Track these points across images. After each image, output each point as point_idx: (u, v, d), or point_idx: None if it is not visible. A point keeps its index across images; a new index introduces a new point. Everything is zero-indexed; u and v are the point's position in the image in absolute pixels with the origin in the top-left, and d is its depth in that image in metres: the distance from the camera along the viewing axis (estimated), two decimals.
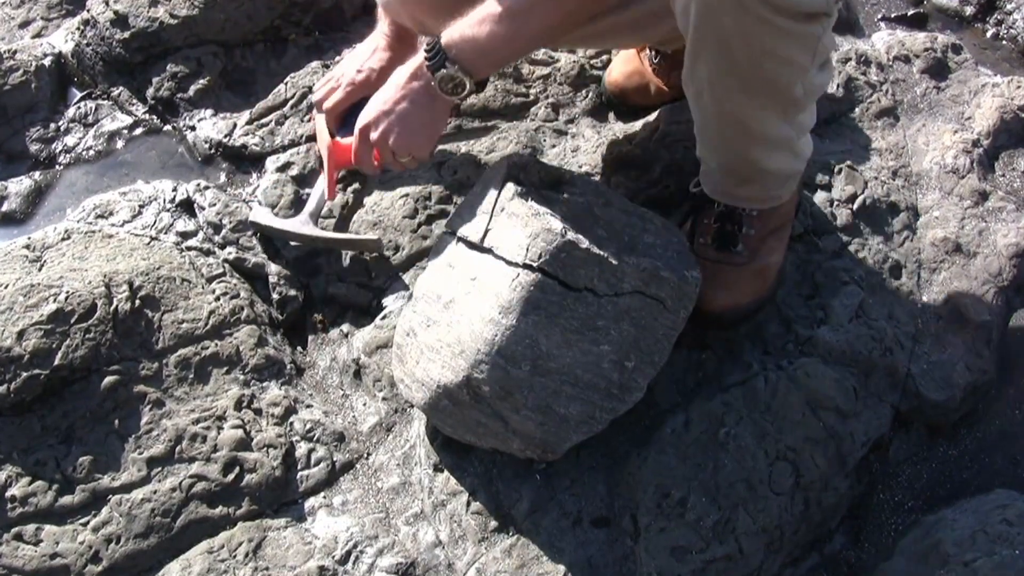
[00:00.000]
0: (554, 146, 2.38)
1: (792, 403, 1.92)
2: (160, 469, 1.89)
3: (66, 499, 1.85)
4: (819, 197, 2.22)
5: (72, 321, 1.95)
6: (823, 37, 1.66)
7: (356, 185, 2.34)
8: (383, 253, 2.20)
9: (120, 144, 2.61)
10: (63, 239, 2.17)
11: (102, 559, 1.81)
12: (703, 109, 1.77)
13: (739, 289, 1.99)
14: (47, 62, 2.71)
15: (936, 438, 2.06)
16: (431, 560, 1.84)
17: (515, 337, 1.69)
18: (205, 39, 2.71)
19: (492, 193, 1.81)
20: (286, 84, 2.58)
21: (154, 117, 2.65)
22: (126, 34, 2.66)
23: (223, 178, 2.48)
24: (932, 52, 2.64)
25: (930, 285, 2.15)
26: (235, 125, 2.54)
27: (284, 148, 2.47)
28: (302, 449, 1.97)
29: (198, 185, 2.37)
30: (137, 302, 2.02)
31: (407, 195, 2.28)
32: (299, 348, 2.17)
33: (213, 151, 2.53)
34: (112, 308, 1.99)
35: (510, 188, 1.79)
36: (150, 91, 2.66)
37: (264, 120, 2.53)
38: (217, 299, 2.10)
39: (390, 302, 2.15)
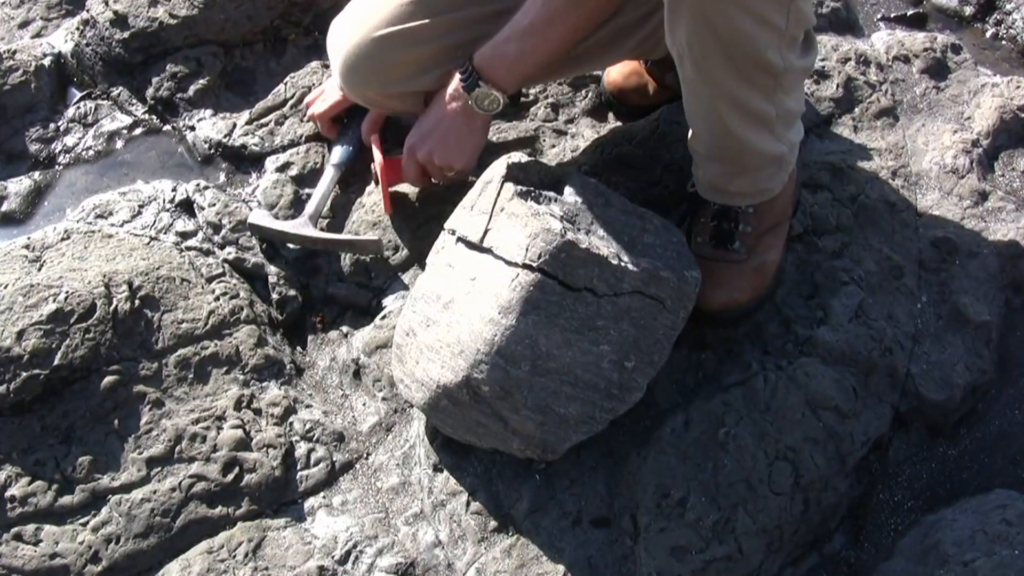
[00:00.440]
0: (554, 146, 2.38)
1: (792, 403, 1.92)
2: (160, 469, 1.89)
3: (66, 499, 1.85)
4: (819, 197, 2.21)
5: (72, 321, 1.95)
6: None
7: (355, 186, 2.35)
8: (382, 254, 2.20)
9: (120, 144, 2.61)
10: (63, 239, 2.17)
11: (102, 559, 1.81)
12: (687, 77, 1.75)
13: (738, 287, 1.99)
14: (47, 62, 2.71)
15: (936, 438, 2.06)
16: (431, 560, 1.84)
17: (515, 337, 1.68)
18: (205, 39, 2.71)
19: (491, 193, 1.81)
20: (286, 84, 2.58)
21: (154, 117, 2.65)
22: (126, 34, 2.66)
23: (223, 178, 2.48)
24: (931, 52, 2.64)
25: (930, 285, 2.14)
26: (235, 125, 2.54)
27: (284, 148, 2.47)
28: (302, 449, 1.97)
29: (198, 185, 2.37)
30: (137, 302, 2.02)
31: (407, 196, 2.28)
32: (299, 348, 2.17)
33: (213, 151, 2.52)
34: (112, 308, 1.99)
35: (510, 188, 1.78)
36: (150, 91, 2.66)
37: (264, 120, 2.53)
38: (217, 299, 2.10)
39: (390, 302, 2.16)
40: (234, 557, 1.82)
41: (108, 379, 1.94)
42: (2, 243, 2.18)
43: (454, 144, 2.03)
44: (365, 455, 2.00)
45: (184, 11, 2.67)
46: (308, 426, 2.00)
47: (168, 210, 2.32)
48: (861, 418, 1.95)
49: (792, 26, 1.68)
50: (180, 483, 1.88)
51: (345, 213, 2.31)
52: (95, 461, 1.88)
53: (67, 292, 1.98)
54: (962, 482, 2.01)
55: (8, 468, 1.86)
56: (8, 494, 1.83)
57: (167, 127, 2.63)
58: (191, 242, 2.26)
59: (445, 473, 1.92)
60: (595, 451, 1.91)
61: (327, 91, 2.37)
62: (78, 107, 2.67)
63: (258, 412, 1.99)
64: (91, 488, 1.86)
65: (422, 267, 2.15)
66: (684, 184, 2.11)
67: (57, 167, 2.57)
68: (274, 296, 2.19)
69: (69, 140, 2.61)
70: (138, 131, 2.62)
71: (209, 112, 2.61)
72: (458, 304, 1.78)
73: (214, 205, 2.31)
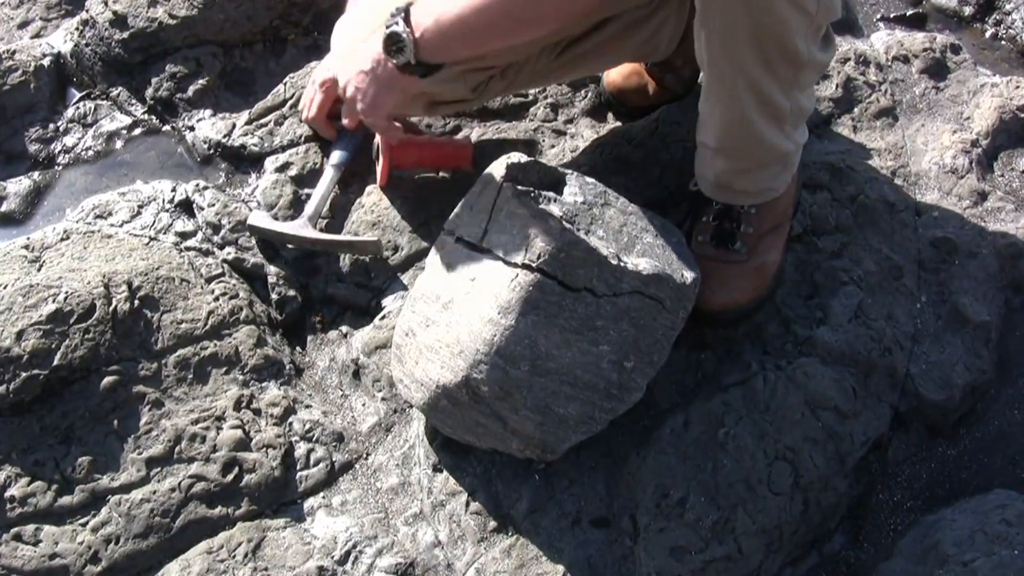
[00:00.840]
0: (553, 146, 2.38)
1: (791, 403, 1.92)
2: (159, 469, 1.89)
3: (65, 499, 1.85)
4: (818, 197, 2.22)
5: (71, 321, 1.95)
6: None
7: (355, 186, 2.35)
8: (382, 254, 2.20)
9: (119, 144, 2.61)
10: (62, 239, 2.16)
11: (101, 559, 1.81)
12: (712, 59, 1.73)
13: (738, 287, 1.99)
14: (46, 62, 2.71)
15: (935, 438, 2.06)
16: (430, 560, 1.84)
17: (514, 337, 1.69)
18: (204, 39, 2.71)
19: (491, 193, 1.81)
20: (285, 84, 2.58)
21: (153, 117, 2.64)
22: (125, 34, 2.66)
23: (222, 178, 2.47)
24: (931, 52, 2.64)
25: (929, 285, 2.15)
26: (234, 125, 2.54)
27: (283, 148, 2.47)
28: (301, 449, 1.97)
29: (197, 185, 2.37)
30: (136, 302, 2.02)
31: (406, 196, 2.28)
32: (298, 348, 2.17)
33: (212, 151, 2.52)
34: (111, 308, 1.99)
35: (509, 188, 1.78)
36: (149, 91, 2.65)
37: (263, 120, 2.53)
38: (216, 299, 2.10)
39: (389, 302, 2.16)
40: (234, 557, 1.82)
41: (108, 379, 1.94)
42: (2, 243, 2.18)
43: (373, 94, 1.97)
44: (365, 455, 2.00)
45: (183, 11, 2.67)
46: (308, 426, 2.00)
47: (167, 210, 2.31)
48: (860, 418, 1.95)
49: (820, 14, 1.68)
50: (180, 483, 1.88)
51: (344, 214, 2.30)
52: (95, 461, 1.88)
53: (67, 292, 1.98)
54: (961, 482, 2.01)
55: (8, 468, 1.86)
56: (8, 494, 1.83)
57: (166, 127, 2.63)
58: (190, 242, 2.26)
59: (444, 473, 1.92)
60: (594, 451, 1.91)
61: (313, 93, 2.31)
62: (77, 107, 2.67)
63: (258, 412, 1.99)
64: (91, 488, 1.86)
65: (421, 267, 2.15)
66: (684, 184, 2.11)
67: (56, 167, 2.57)
68: (273, 296, 2.19)
69: (68, 140, 2.61)
70: (137, 131, 2.62)
71: (208, 112, 2.61)
72: (457, 304, 1.78)
73: (213, 205, 2.31)
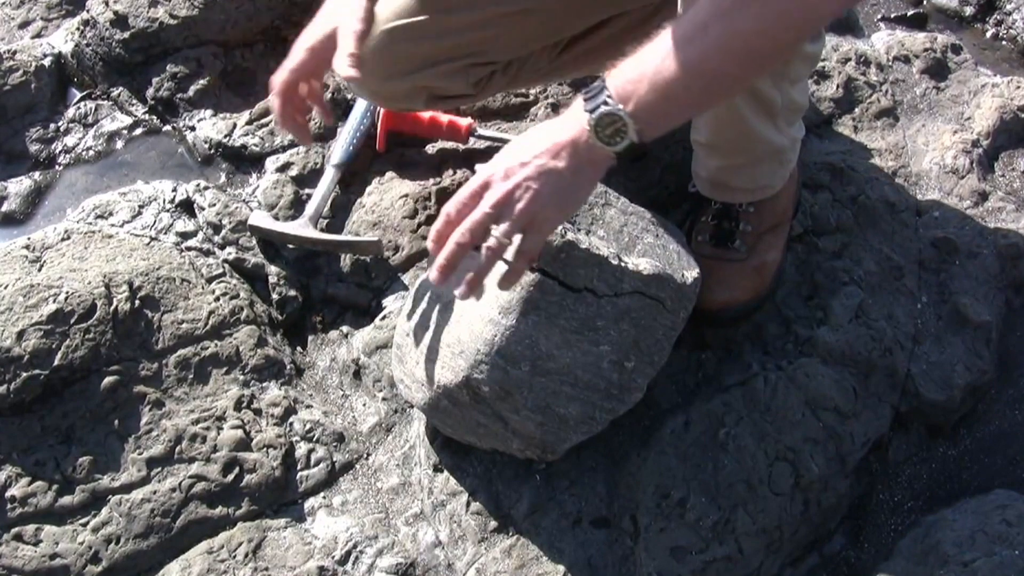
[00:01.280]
0: None
1: (792, 403, 1.92)
2: (160, 469, 1.89)
3: (66, 499, 1.85)
4: (819, 197, 2.21)
5: (72, 321, 1.95)
6: None
7: (356, 186, 2.35)
8: (382, 254, 2.20)
9: (120, 144, 2.61)
10: (63, 239, 2.16)
11: (102, 559, 1.81)
12: None
13: (737, 286, 1.99)
14: (47, 62, 2.71)
15: (936, 438, 2.06)
16: (431, 560, 1.84)
17: (515, 337, 1.68)
18: (205, 39, 2.71)
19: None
20: None
21: (154, 117, 2.65)
22: (126, 34, 2.66)
23: (223, 178, 2.48)
24: (932, 52, 2.64)
25: (930, 285, 2.15)
26: (235, 125, 2.54)
27: (284, 148, 2.47)
28: (302, 449, 1.97)
29: (198, 185, 2.37)
30: (137, 302, 2.02)
31: (407, 195, 2.28)
32: (299, 348, 2.17)
33: (213, 151, 2.53)
34: (112, 308, 1.99)
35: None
36: (150, 91, 2.65)
37: (264, 120, 2.53)
38: (217, 299, 2.10)
39: (390, 302, 2.16)
40: (234, 557, 1.82)
41: (108, 379, 1.94)
42: (2, 243, 2.18)
43: (557, 195, 1.51)
44: (365, 455, 2.00)
45: (184, 11, 2.67)
46: (308, 426, 2.00)
47: (168, 210, 2.31)
48: (861, 418, 1.95)
49: None
50: (180, 483, 1.88)
51: (345, 214, 2.31)
52: (95, 461, 1.88)
53: (67, 292, 1.98)
54: (962, 482, 2.01)
55: (8, 468, 1.86)
56: (8, 494, 1.83)
57: (167, 127, 2.63)
58: (191, 242, 2.26)
59: (445, 473, 1.92)
60: (595, 451, 1.91)
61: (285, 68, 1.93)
62: (78, 107, 2.67)
63: (258, 412, 1.99)
64: (91, 488, 1.86)
65: (422, 267, 2.16)
66: (684, 184, 2.11)
67: (57, 167, 2.57)
68: (274, 296, 2.19)
69: (69, 140, 2.61)
70: (138, 131, 2.62)
71: (209, 112, 2.61)
72: (458, 304, 1.78)
73: (214, 205, 2.31)
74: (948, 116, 2.51)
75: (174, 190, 2.36)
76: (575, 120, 1.49)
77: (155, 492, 1.86)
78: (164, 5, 2.67)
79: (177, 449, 1.91)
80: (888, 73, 2.59)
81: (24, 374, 1.89)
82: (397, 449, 1.98)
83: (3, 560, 1.78)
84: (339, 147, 2.34)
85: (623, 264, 1.71)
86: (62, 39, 2.78)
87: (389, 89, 2.03)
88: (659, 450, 1.89)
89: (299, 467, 1.95)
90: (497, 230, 1.50)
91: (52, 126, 2.63)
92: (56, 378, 1.92)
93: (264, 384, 2.04)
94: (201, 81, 2.65)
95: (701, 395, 1.97)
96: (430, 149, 2.40)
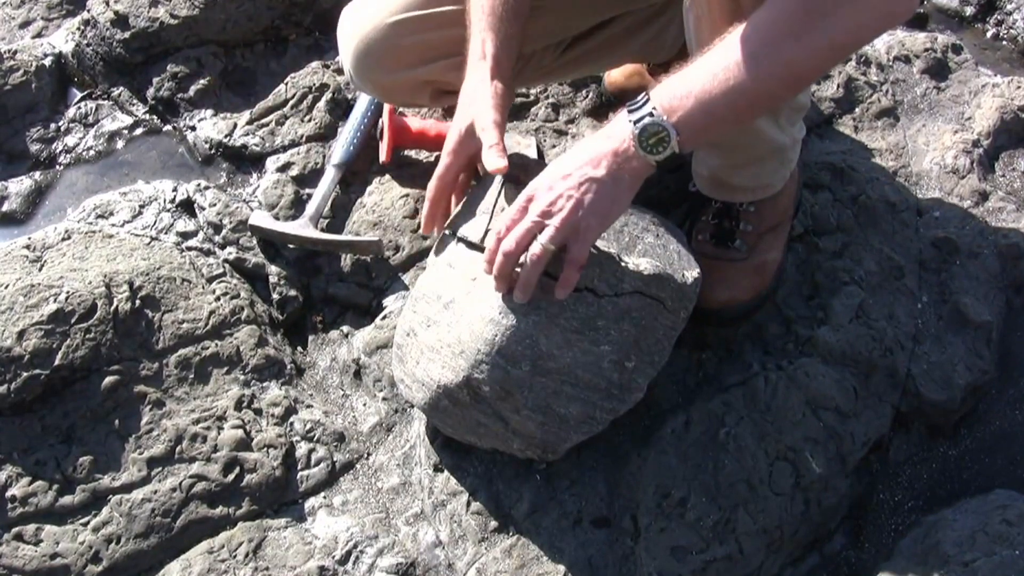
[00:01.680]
0: (555, 146, 2.38)
1: (792, 403, 1.92)
2: (160, 469, 1.89)
3: (66, 499, 1.85)
4: (819, 197, 2.22)
5: (72, 321, 1.95)
6: None
7: (356, 186, 2.35)
8: (383, 254, 2.20)
9: (120, 144, 2.61)
10: (63, 239, 2.16)
11: (102, 559, 1.81)
12: (700, 44, 1.66)
13: (738, 285, 1.99)
14: (47, 62, 2.71)
15: (936, 438, 2.06)
16: (431, 560, 1.84)
17: (515, 337, 1.68)
18: (205, 39, 2.71)
19: (493, 193, 1.81)
20: (286, 84, 2.58)
21: (154, 117, 2.65)
22: (126, 34, 2.66)
23: (223, 178, 2.48)
24: (932, 52, 2.64)
25: (930, 285, 2.14)
26: (235, 125, 2.54)
27: (284, 148, 2.47)
28: (302, 449, 1.97)
29: (198, 185, 2.38)
30: (137, 302, 2.02)
31: (407, 195, 2.28)
32: (299, 348, 2.17)
33: (213, 151, 2.53)
34: (112, 308, 1.99)
35: (511, 188, 1.78)
36: (150, 91, 2.66)
37: (264, 120, 2.53)
38: (217, 299, 2.10)
39: (390, 302, 2.16)
40: (235, 557, 1.82)
41: (109, 379, 1.94)
42: (3, 243, 2.18)
43: (597, 203, 1.57)
44: (366, 455, 2.00)
45: (185, 11, 2.67)
46: (309, 426, 2.00)
47: (169, 210, 2.31)
48: (861, 418, 1.95)
49: None
50: (181, 483, 1.88)
51: (346, 213, 2.31)
52: (96, 461, 1.88)
53: (68, 292, 1.98)
54: (963, 482, 2.01)
55: (9, 468, 1.86)
56: (9, 494, 1.83)
57: (168, 127, 2.63)
58: (192, 242, 2.26)
59: (445, 473, 1.92)
60: (596, 451, 1.91)
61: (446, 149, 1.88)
62: (79, 107, 2.67)
63: (259, 412, 1.99)
64: (92, 488, 1.86)
65: (422, 267, 2.16)
66: (685, 184, 2.11)
67: (58, 167, 2.57)
68: (275, 296, 2.19)
69: (70, 140, 2.61)
70: (139, 131, 2.63)
71: (210, 112, 2.61)
72: (459, 304, 1.78)
73: (215, 205, 2.31)
74: (949, 116, 2.51)
75: (175, 190, 2.36)
76: (619, 130, 1.56)
77: (155, 492, 1.86)
78: (165, 5, 2.67)
79: (177, 449, 1.91)
80: (889, 73, 2.59)
81: (25, 374, 1.89)
82: (397, 449, 1.98)
83: (4, 560, 1.78)
84: (339, 147, 2.34)
85: (624, 264, 1.71)
86: (63, 39, 2.78)
87: (394, 82, 2.03)
88: (660, 450, 1.89)
89: (299, 467, 1.95)
90: (540, 239, 1.57)
91: (53, 126, 2.63)
92: (57, 378, 1.92)
93: (264, 384, 2.04)
94: (202, 81, 2.65)
95: (702, 395, 1.97)
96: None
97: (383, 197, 2.29)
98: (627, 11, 2.05)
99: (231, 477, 1.90)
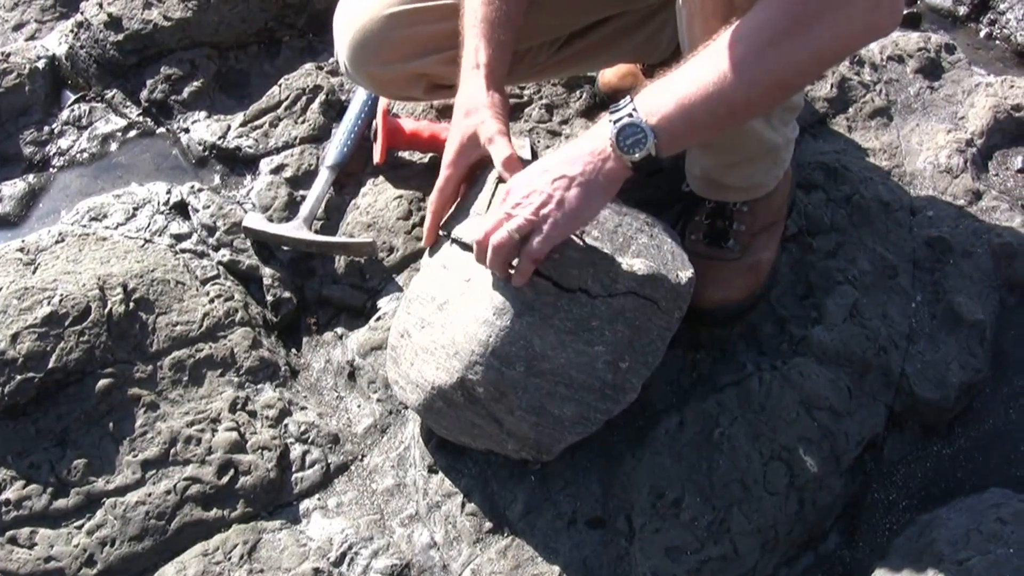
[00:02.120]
0: (548, 147, 2.38)
1: (786, 403, 1.92)
2: (154, 471, 1.89)
3: (60, 502, 1.85)
4: (813, 197, 2.22)
5: (66, 324, 1.95)
6: None
7: (350, 188, 2.35)
8: (377, 256, 2.20)
9: (114, 146, 2.61)
10: (57, 242, 2.16)
11: (97, 562, 1.80)
12: (693, 41, 1.67)
13: (731, 284, 2.00)
14: (41, 65, 2.71)
15: (930, 437, 2.06)
16: (426, 562, 1.84)
17: (509, 338, 1.68)
18: (199, 41, 2.71)
19: (486, 194, 1.81)
20: (280, 86, 2.58)
21: (148, 119, 2.65)
22: (120, 36, 2.66)
23: (217, 180, 2.48)
24: (925, 52, 2.64)
25: (924, 285, 2.15)
26: (229, 127, 2.54)
27: (278, 150, 2.47)
28: (296, 451, 1.97)
29: (192, 187, 2.37)
30: (131, 304, 2.02)
31: (401, 197, 2.28)
32: (293, 350, 2.17)
33: (207, 153, 2.53)
34: (106, 311, 1.99)
35: (504, 189, 1.78)
36: (144, 93, 2.66)
37: (258, 122, 2.53)
38: (211, 301, 2.10)
39: (384, 304, 2.16)
40: (229, 559, 1.82)
41: (103, 382, 1.94)
42: None
43: (568, 200, 1.58)
44: (360, 457, 2.00)
45: (178, 13, 2.67)
46: (303, 428, 1.99)
47: (162, 212, 2.31)
48: (855, 417, 1.95)
49: None
50: (175, 485, 1.87)
51: (339, 215, 2.31)
52: (90, 464, 1.88)
53: (61, 295, 1.98)
54: (957, 481, 2.01)
55: (2, 471, 1.86)
56: (3, 497, 1.83)
57: (161, 129, 2.63)
58: (185, 244, 2.25)
59: (440, 475, 1.92)
60: (590, 452, 1.91)
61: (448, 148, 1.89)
62: (72, 109, 2.67)
63: (253, 414, 1.99)
64: (86, 491, 1.86)
65: (416, 268, 2.16)
66: (678, 185, 2.11)
67: (51, 170, 2.57)
68: (269, 298, 2.19)
69: (63, 143, 2.61)
70: (132, 133, 2.63)
71: (203, 114, 2.61)
72: (453, 305, 1.78)
73: (208, 207, 2.31)
74: (942, 115, 2.51)
75: (168, 192, 2.36)
76: (600, 131, 1.59)
77: (150, 494, 1.86)
78: (158, 7, 2.67)
79: (172, 451, 1.91)
80: (882, 73, 2.60)
81: (18, 377, 1.89)
82: (392, 450, 1.98)
83: None
84: (333, 148, 2.34)
85: (618, 264, 1.71)
86: (56, 41, 2.78)
87: (389, 75, 2.03)
88: (654, 450, 1.89)
89: (294, 469, 1.95)
90: (507, 226, 1.60)
91: (46, 128, 2.63)
92: (50, 380, 1.92)
93: (259, 386, 2.04)
94: (195, 83, 2.66)
95: (696, 395, 1.97)
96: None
97: (377, 199, 2.29)
98: (623, 11, 2.05)
99: (225, 479, 1.90)
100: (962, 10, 2.87)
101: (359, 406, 2.06)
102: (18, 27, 2.91)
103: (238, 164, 2.50)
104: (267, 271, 2.21)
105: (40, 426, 1.90)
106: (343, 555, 1.84)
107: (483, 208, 1.80)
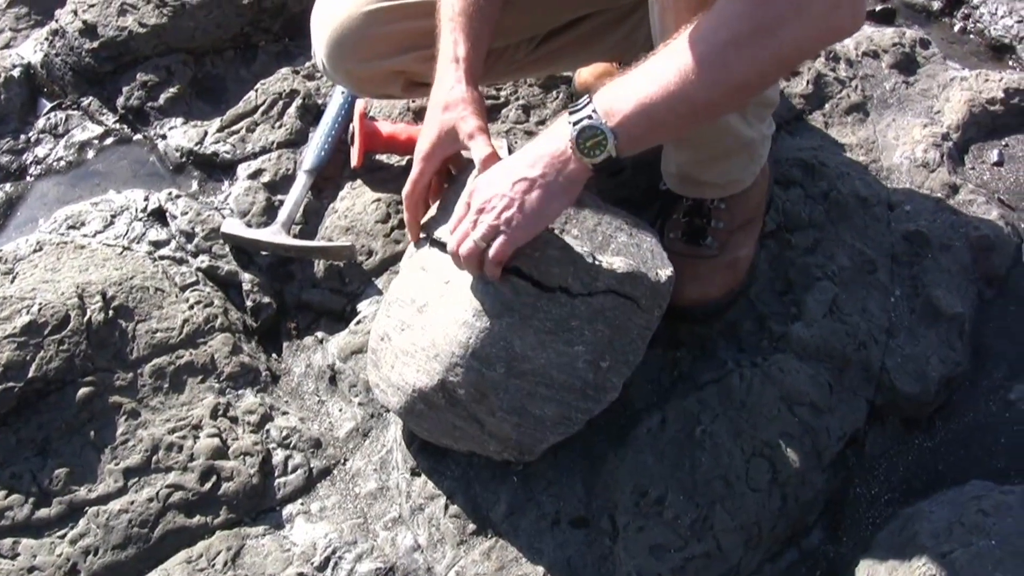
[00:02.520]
0: None
1: (767, 399, 1.93)
2: (137, 479, 1.89)
3: (43, 512, 1.84)
4: (791, 193, 2.22)
5: (45, 333, 1.94)
6: None
7: (328, 192, 2.35)
8: (356, 259, 2.20)
9: (91, 154, 2.60)
10: (35, 251, 2.16)
11: (80, 571, 1.80)
12: (664, 31, 1.64)
13: (710, 282, 2.00)
14: (16, 73, 2.70)
15: (911, 431, 2.06)
16: (410, 565, 1.84)
17: (489, 339, 1.68)
18: (174, 47, 2.70)
19: (465, 195, 1.81)
20: (256, 91, 2.58)
21: (124, 126, 2.64)
22: (95, 43, 2.65)
23: (195, 186, 2.47)
24: (900, 47, 2.65)
25: (902, 279, 2.15)
26: (206, 133, 2.54)
27: (255, 155, 2.47)
28: (279, 456, 1.97)
29: (170, 194, 2.37)
30: (111, 312, 2.02)
31: (379, 200, 2.28)
32: (274, 355, 2.17)
33: (184, 159, 2.52)
34: (86, 319, 1.98)
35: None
36: (120, 100, 2.65)
37: (235, 127, 2.53)
38: (191, 308, 2.10)
39: (364, 307, 2.15)
40: (213, 566, 1.81)
41: (83, 390, 1.93)
42: None
43: (529, 202, 1.59)
44: (342, 461, 1.99)
45: (153, 19, 2.66)
46: (285, 433, 1.99)
47: (140, 219, 2.31)
48: (836, 413, 1.96)
49: None
50: (157, 493, 1.87)
51: (318, 219, 2.30)
52: (71, 473, 1.87)
53: (40, 304, 1.97)
54: (938, 474, 2.02)
55: None
56: None
57: (138, 136, 2.62)
58: (164, 251, 2.25)
59: (423, 477, 1.92)
60: (572, 452, 1.91)
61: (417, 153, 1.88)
62: (48, 117, 2.66)
63: (234, 420, 1.99)
64: (68, 500, 1.85)
65: (396, 271, 2.15)
66: (655, 184, 2.11)
67: (28, 178, 2.56)
68: (248, 303, 2.19)
69: (40, 151, 2.60)
70: (109, 141, 2.62)
71: (180, 120, 2.61)
72: (432, 307, 1.78)
73: (186, 214, 2.31)
74: (918, 110, 2.52)
75: (146, 199, 2.35)
76: (559, 132, 1.58)
77: (132, 502, 1.86)
78: (133, 14, 2.67)
79: (154, 459, 1.91)
80: (857, 68, 2.60)
81: None
82: (374, 454, 1.98)
83: None
84: (311, 153, 2.34)
85: (597, 262, 1.71)
86: (31, 49, 2.77)
87: (366, 72, 2.03)
88: (636, 449, 1.89)
89: (276, 474, 1.95)
90: (473, 235, 1.61)
91: (22, 137, 2.62)
92: (31, 390, 1.91)
93: (240, 392, 2.04)
94: (171, 89, 2.65)
95: (677, 393, 1.98)
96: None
97: (355, 202, 2.29)
98: (600, 9, 2.06)
99: (208, 486, 1.89)
100: (936, 5, 2.88)
101: (340, 410, 2.05)
102: None
103: (215, 170, 2.50)
104: (246, 276, 2.21)
105: (21, 436, 1.89)
106: (327, 559, 1.83)
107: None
